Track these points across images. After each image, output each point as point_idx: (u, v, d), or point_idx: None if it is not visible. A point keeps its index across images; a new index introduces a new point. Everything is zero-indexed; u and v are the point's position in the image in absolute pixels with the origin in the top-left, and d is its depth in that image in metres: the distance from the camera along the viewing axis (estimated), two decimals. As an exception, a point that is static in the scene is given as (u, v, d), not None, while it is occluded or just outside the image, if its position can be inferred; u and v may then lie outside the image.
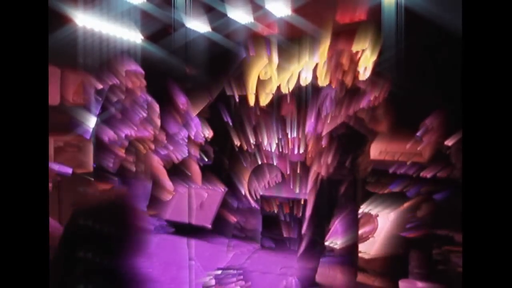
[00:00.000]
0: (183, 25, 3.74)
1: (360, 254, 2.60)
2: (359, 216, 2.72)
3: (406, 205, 2.69)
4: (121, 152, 2.64)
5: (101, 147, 2.69)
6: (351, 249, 2.28)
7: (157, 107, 2.84)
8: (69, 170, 3.07)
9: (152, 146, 2.82)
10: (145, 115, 2.74)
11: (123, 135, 2.66)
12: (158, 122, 2.83)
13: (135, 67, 2.81)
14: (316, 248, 2.34)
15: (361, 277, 2.50)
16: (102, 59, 3.45)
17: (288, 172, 3.24)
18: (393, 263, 2.54)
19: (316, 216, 2.32)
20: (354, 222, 2.32)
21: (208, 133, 3.71)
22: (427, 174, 2.69)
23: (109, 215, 1.03)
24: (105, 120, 2.75)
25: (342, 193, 2.26)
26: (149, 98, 2.84)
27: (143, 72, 2.82)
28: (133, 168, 2.70)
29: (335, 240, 2.43)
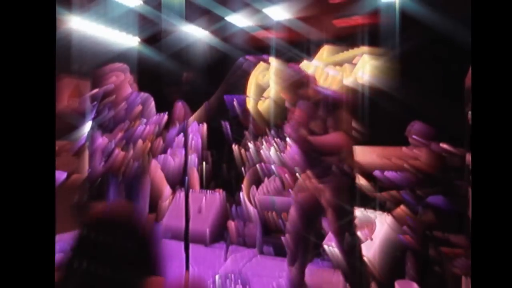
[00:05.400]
0: (180, 28, 3.74)
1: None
2: (356, 219, 2.74)
3: (402, 207, 2.72)
4: (118, 150, 2.61)
5: (97, 150, 2.66)
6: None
7: (152, 102, 2.82)
8: (63, 175, 3.02)
9: (149, 143, 2.80)
10: (139, 110, 2.71)
11: (118, 134, 2.63)
12: (154, 116, 2.81)
13: (119, 64, 2.80)
14: (301, 251, 2.33)
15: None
16: (98, 63, 3.41)
17: (286, 177, 3.24)
18: (390, 265, 2.56)
19: (300, 220, 2.31)
20: (345, 226, 2.29)
21: (205, 131, 3.69)
22: (423, 176, 2.72)
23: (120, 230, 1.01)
24: (101, 124, 2.72)
25: (329, 197, 2.22)
26: (143, 94, 2.82)
27: (127, 67, 2.81)
28: (131, 166, 2.67)
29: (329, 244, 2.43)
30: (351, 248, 2.22)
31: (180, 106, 3.77)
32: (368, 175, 3.00)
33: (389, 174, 2.85)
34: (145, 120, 2.73)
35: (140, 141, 2.68)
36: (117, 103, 2.71)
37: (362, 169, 3.04)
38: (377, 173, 2.91)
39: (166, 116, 2.82)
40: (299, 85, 2.25)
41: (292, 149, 2.37)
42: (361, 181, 3.00)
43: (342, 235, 2.23)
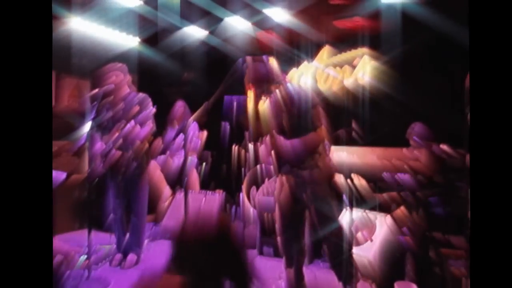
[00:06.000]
0: (180, 29, 3.74)
1: (357, 258, 2.62)
2: (357, 219, 2.74)
3: (402, 208, 2.72)
4: (114, 151, 2.61)
5: (96, 151, 2.66)
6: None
7: (150, 102, 2.82)
8: (63, 175, 3.01)
9: (147, 143, 2.80)
10: (137, 110, 2.71)
11: (115, 134, 2.63)
12: (152, 115, 2.81)
13: (119, 64, 2.80)
14: (295, 251, 2.31)
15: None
16: (98, 63, 3.42)
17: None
18: (390, 266, 2.56)
19: (285, 222, 2.30)
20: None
21: (205, 137, 3.69)
22: (423, 177, 2.72)
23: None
24: (100, 124, 2.72)
25: (309, 195, 2.21)
26: (140, 94, 2.82)
27: (126, 67, 2.81)
28: (130, 165, 2.67)
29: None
30: (340, 245, 2.21)
31: (179, 106, 3.77)
32: (368, 176, 3.00)
33: (389, 174, 2.86)
34: (144, 121, 2.73)
35: (137, 141, 2.68)
36: (115, 103, 2.71)
37: (362, 170, 3.05)
38: (377, 173, 2.91)
39: (154, 109, 2.81)
40: (264, 81, 2.25)
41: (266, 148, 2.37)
42: (361, 182, 3.00)
43: (329, 231, 2.21)
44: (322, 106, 2.26)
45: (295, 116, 2.18)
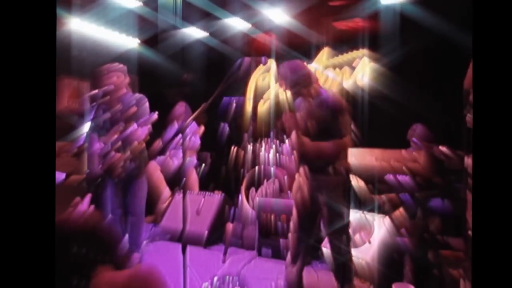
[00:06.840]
0: (180, 30, 3.75)
1: (356, 259, 2.62)
2: (354, 221, 2.74)
3: (401, 210, 2.72)
4: (113, 152, 2.61)
5: (94, 152, 2.67)
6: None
7: (146, 102, 2.82)
8: (62, 176, 3.01)
9: (144, 143, 2.80)
10: (134, 110, 2.71)
11: (113, 135, 2.64)
12: (148, 116, 2.81)
13: (118, 64, 2.80)
14: (302, 252, 2.32)
15: (356, 281, 2.51)
16: (98, 64, 3.43)
17: (286, 178, 3.24)
18: (388, 268, 2.56)
19: (300, 221, 2.31)
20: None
21: (205, 138, 3.69)
22: (422, 179, 2.72)
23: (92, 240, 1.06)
24: (99, 124, 2.73)
25: (324, 196, 2.23)
26: (137, 94, 2.82)
27: (125, 67, 2.81)
28: (127, 166, 2.68)
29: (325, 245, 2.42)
30: (343, 248, 2.22)
31: (180, 107, 3.78)
32: (367, 177, 3.00)
33: (388, 176, 2.86)
34: (136, 122, 2.73)
35: (134, 143, 2.68)
36: (113, 104, 2.72)
37: (361, 171, 3.05)
38: (375, 175, 2.91)
39: (155, 115, 2.82)
40: (300, 83, 2.25)
41: (289, 149, 2.37)
42: (360, 183, 3.00)
43: (335, 234, 2.24)
44: (348, 113, 2.27)
45: (323, 120, 2.19)
